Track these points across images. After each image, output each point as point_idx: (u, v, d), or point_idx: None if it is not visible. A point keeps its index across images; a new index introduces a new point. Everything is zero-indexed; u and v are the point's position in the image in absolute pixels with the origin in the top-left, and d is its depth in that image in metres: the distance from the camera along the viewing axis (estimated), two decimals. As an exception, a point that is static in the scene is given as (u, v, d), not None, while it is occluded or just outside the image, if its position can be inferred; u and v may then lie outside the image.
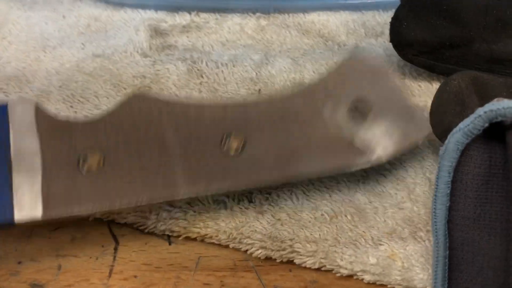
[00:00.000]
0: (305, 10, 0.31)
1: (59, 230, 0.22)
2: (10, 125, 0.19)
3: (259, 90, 0.26)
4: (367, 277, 0.20)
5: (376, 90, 0.21)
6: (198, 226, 0.21)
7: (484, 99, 0.22)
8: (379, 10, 0.31)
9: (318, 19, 0.31)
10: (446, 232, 0.19)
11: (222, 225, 0.21)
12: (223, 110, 0.20)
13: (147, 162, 0.19)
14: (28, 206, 0.18)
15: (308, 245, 0.21)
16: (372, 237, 0.21)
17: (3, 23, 0.30)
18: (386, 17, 0.29)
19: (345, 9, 0.31)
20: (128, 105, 0.20)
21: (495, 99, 0.19)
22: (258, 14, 0.31)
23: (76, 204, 0.18)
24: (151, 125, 0.20)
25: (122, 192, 0.19)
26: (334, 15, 0.31)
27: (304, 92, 0.22)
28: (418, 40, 0.25)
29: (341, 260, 0.20)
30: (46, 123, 0.19)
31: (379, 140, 0.20)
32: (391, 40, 0.26)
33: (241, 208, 0.22)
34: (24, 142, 0.19)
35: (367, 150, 0.20)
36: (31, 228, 0.22)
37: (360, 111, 0.21)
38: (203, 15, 0.31)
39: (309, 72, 0.27)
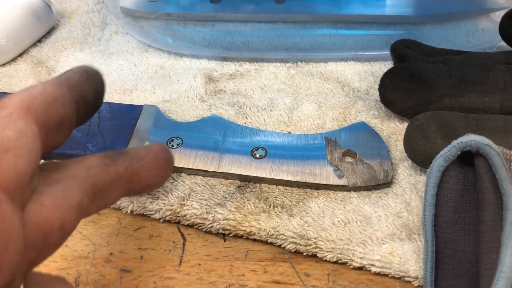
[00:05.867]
0: (325, 61, 0.37)
1: (139, 230, 0.27)
2: (141, 115, 0.31)
3: (289, 132, 0.31)
4: (374, 269, 0.24)
5: (363, 147, 0.29)
6: (244, 225, 0.26)
7: (445, 128, 0.27)
8: (385, 62, 0.36)
9: (336, 69, 0.36)
10: (433, 234, 0.23)
11: (262, 224, 0.26)
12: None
13: (208, 147, 0.30)
14: None
15: (328, 243, 0.25)
16: (377, 238, 0.25)
17: (88, 70, 0.38)
18: (390, 67, 0.33)
19: (357, 60, 0.36)
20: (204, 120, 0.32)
21: (466, 134, 0.25)
22: (288, 64, 0.36)
23: None
24: (213, 129, 0.31)
25: (189, 162, 0.29)
26: (348, 65, 0.36)
27: (321, 135, 0.30)
28: (399, 101, 0.30)
29: (353, 256, 0.24)
30: (159, 118, 0.31)
31: (352, 175, 0.28)
32: (381, 100, 0.31)
33: (276, 212, 0.26)
34: (143, 125, 0.31)
35: (343, 178, 0.28)
36: (118, 229, 0.27)
37: (350, 156, 0.29)
38: (245, 65, 0.36)
39: (330, 119, 0.32)
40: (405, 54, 0.32)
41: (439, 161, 0.24)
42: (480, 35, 0.39)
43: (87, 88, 0.20)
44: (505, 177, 0.22)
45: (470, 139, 0.23)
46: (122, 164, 0.20)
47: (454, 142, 0.23)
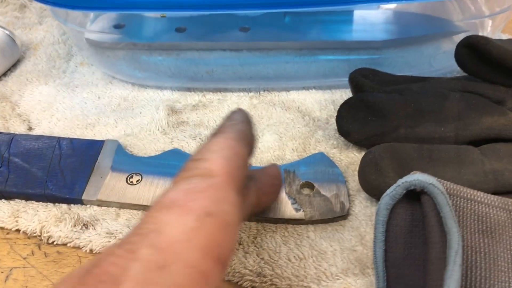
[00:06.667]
0: (287, 89, 0.37)
1: None
2: (102, 150, 0.32)
3: (249, 165, 0.31)
4: None
5: (321, 179, 0.29)
6: None
7: (399, 161, 0.28)
8: (345, 89, 0.36)
9: (297, 97, 0.36)
10: (384, 269, 0.23)
11: None
12: None
13: (168, 182, 0.29)
14: (92, 193, 0.29)
15: (283, 280, 0.25)
16: (331, 273, 0.25)
17: (52, 103, 0.36)
18: (347, 97, 0.33)
19: (318, 89, 0.37)
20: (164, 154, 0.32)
21: (412, 172, 0.25)
22: (251, 93, 0.37)
23: (116, 198, 0.29)
24: (174, 163, 0.31)
25: (148, 198, 0.29)
26: (310, 94, 0.36)
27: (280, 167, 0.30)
28: (355, 132, 0.30)
29: None
30: (119, 154, 0.32)
31: (309, 208, 0.28)
32: (338, 130, 0.31)
33: None
34: (104, 161, 0.31)
35: (300, 211, 0.28)
36: None
37: (308, 187, 0.29)
38: (209, 96, 0.37)
39: (289, 150, 0.32)
40: (363, 84, 0.33)
41: (386, 200, 0.24)
42: (442, 58, 0.39)
43: (253, 138, 0.20)
44: (449, 216, 0.23)
45: (415, 178, 0.23)
46: (252, 192, 0.20)
47: (399, 181, 0.24)
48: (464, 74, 0.34)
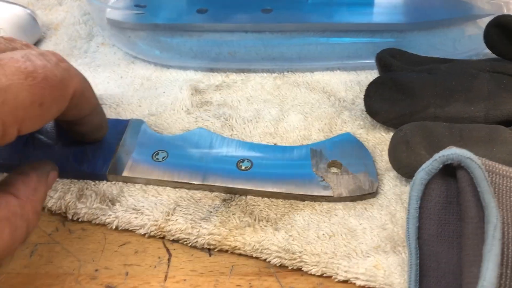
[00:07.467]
0: (312, 70, 0.36)
1: (125, 246, 0.27)
2: (127, 128, 0.31)
3: (275, 144, 0.31)
4: (358, 282, 0.24)
5: (349, 158, 0.29)
6: (229, 240, 0.26)
7: (430, 139, 0.27)
8: (371, 71, 0.36)
9: (322, 78, 0.36)
10: (417, 246, 0.23)
11: (247, 239, 0.26)
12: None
13: (194, 160, 0.30)
14: (117, 169, 0.29)
15: (312, 257, 0.25)
16: (361, 251, 0.25)
17: (74, 83, 0.37)
18: (375, 77, 0.33)
19: (343, 70, 0.36)
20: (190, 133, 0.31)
21: (448, 147, 0.25)
22: (275, 74, 0.36)
23: (142, 174, 0.29)
24: (199, 141, 0.31)
25: (174, 175, 0.29)
26: (335, 75, 0.36)
27: (306, 147, 0.30)
28: (384, 111, 0.30)
29: (338, 269, 0.24)
30: (145, 132, 0.31)
31: (337, 186, 0.28)
32: (366, 110, 0.31)
33: (261, 226, 0.27)
34: (129, 139, 0.31)
35: (328, 188, 0.28)
36: (103, 244, 0.27)
37: (335, 167, 0.29)
38: (232, 76, 0.36)
39: (316, 130, 0.32)
40: (390, 63, 0.32)
41: (421, 175, 0.24)
42: (466, 42, 0.39)
43: None
44: (486, 190, 0.22)
45: (452, 152, 0.23)
46: None
47: (436, 156, 0.23)
48: (490, 57, 0.34)
